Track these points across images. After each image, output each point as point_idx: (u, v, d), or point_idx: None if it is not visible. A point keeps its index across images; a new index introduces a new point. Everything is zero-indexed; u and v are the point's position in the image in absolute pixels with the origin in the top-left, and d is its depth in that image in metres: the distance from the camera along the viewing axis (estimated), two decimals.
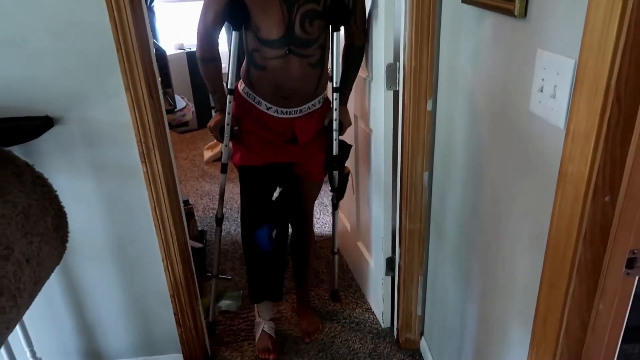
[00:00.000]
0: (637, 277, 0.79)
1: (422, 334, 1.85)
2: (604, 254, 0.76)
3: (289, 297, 2.13)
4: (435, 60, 1.43)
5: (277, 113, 1.58)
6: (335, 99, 1.60)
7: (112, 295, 1.66)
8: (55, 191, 0.88)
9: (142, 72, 1.34)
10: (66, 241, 0.91)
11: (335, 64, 1.57)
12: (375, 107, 1.72)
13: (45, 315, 1.65)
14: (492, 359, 1.23)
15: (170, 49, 4.19)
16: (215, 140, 3.48)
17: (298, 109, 1.59)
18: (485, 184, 1.17)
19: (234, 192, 3.07)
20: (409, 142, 1.54)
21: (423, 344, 1.83)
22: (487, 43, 1.08)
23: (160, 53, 3.53)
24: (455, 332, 1.48)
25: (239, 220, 2.71)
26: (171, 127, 1.56)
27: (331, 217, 2.00)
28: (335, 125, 1.64)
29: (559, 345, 0.85)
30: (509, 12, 0.92)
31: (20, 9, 1.28)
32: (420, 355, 1.83)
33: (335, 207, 1.92)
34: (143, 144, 1.42)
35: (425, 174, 1.58)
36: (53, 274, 1.09)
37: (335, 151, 1.69)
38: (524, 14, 0.89)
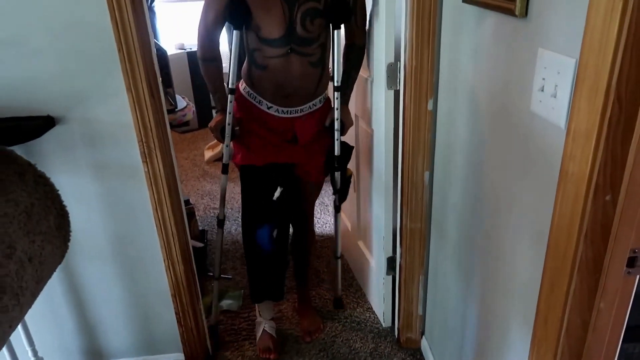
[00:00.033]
0: (638, 276, 0.80)
1: (423, 333, 1.85)
2: (604, 253, 0.76)
3: (289, 296, 2.13)
4: (436, 59, 1.43)
5: (278, 112, 1.58)
6: (337, 98, 1.59)
7: (113, 294, 1.66)
8: (58, 190, 0.88)
9: (144, 72, 1.35)
10: (68, 240, 0.92)
11: (336, 63, 1.57)
12: (376, 106, 1.73)
13: (46, 314, 1.65)
14: (492, 358, 1.23)
15: (170, 49, 4.19)
16: (215, 140, 3.48)
17: (299, 108, 1.59)
18: (486, 183, 1.17)
19: (234, 192, 3.07)
20: (409, 142, 1.55)
21: (424, 344, 1.83)
22: (487, 42, 1.09)
23: (161, 53, 3.54)
24: (456, 332, 1.48)
25: (240, 220, 2.72)
26: (172, 127, 1.56)
27: (333, 220, 1.94)
28: (336, 125, 1.63)
29: (560, 344, 0.85)
30: (510, 12, 0.92)
31: (21, 9, 1.28)
32: (421, 354, 1.84)
33: (337, 210, 1.87)
34: (144, 144, 1.43)
35: (426, 174, 1.58)
36: (54, 274, 1.10)
37: (337, 152, 1.68)
38: (525, 13, 0.89)
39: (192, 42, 4.20)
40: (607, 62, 0.65)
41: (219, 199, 1.78)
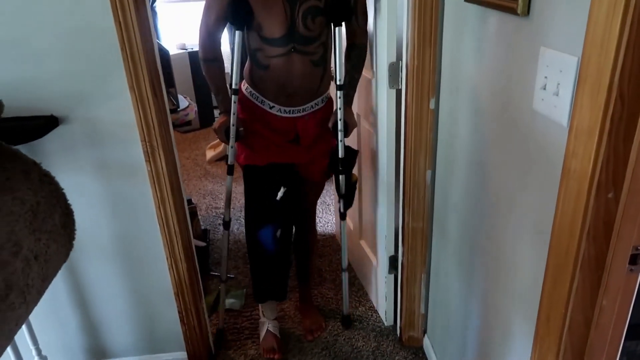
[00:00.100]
0: None
1: (425, 331, 1.85)
2: (607, 250, 0.77)
3: (291, 295, 2.13)
4: (438, 58, 1.43)
5: (281, 112, 1.59)
6: (339, 97, 1.58)
7: (116, 293, 1.67)
8: (62, 189, 0.89)
9: (146, 71, 1.35)
10: (73, 239, 0.92)
11: (338, 61, 1.56)
12: (378, 105, 1.73)
13: (50, 313, 1.66)
14: (495, 356, 1.23)
15: (172, 49, 4.20)
16: (217, 140, 3.49)
17: (301, 107, 1.59)
18: (487, 181, 1.17)
19: (236, 192, 3.07)
20: (411, 141, 1.55)
21: (426, 342, 1.83)
22: (489, 41, 1.09)
23: (164, 53, 3.55)
24: (458, 330, 1.48)
25: (242, 220, 2.73)
26: (174, 126, 1.56)
27: (339, 228, 1.83)
28: (340, 125, 1.60)
29: (562, 342, 0.86)
30: (512, 11, 0.93)
31: (25, 10, 1.29)
32: (424, 353, 1.84)
33: (342, 217, 1.80)
34: (147, 143, 1.43)
35: (428, 172, 1.58)
36: (58, 273, 1.10)
37: (340, 154, 1.65)
38: (527, 12, 0.90)
39: (193, 42, 4.21)
40: (609, 59, 0.65)
41: (225, 200, 1.75)
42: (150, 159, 1.45)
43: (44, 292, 0.82)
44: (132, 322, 1.73)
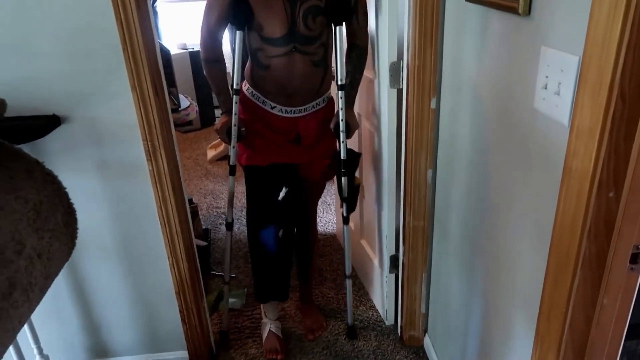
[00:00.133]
0: None
1: (425, 331, 1.85)
2: (608, 249, 0.77)
3: (292, 294, 2.14)
4: (439, 58, 1.43)
5: (282, 112, 1.59)
6: (341, 97, 1.58)
7: (117, 292, 1.67)
8: (65, 188, 0.89)
9: (148, 71, 1.35)
10: (75, 237, 0.93)
11: (339, 61, 1.56)
12: (379, 105, 1.73)
13: (51, 312, 1.66)
14: (496, 355, 1.23)
15: (173, 49, 4.20)
16: (218, 140, 3.50)
17: (302, 107, 1.59)
18: (488, 181, 1.18)
19: (237, 191, 3.08)
20: (412, 140, 1.55)
21: (427, 341, 1.84)
22: (491, 41, 1.09)
23: (165, 53, 3.55)
24: (459, 329, 1.48)
25: (242, 219, 2.74)
26: (175, 126, 1.56)
27: (343, 233, 1.77)
28: (342, 126, 1.59)
29: (563, 340, 0.86)
30: (513, 10, 0.93)
31: (27, 11, 1.29)
32: (424, 352, 1.84)
33: (345, 221, 1.75)
34: (149, 143, 1.43)
35: (429, 172, 1.59)
36: (60, 271, 1.11)
37: (342, 155, 1.63)
38: (528, 11, 0.90)
39: (194, 42, 4.21)
40: (610, 59, 0.66)
41: (227, 201, 1.74)
42: (152, 158, 1.45)
43: (46, 290, 0.82)
44: (133, 321, 1.73)
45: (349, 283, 1.87)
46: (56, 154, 1.44)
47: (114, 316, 1.71)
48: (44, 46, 1.33)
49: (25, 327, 1.47)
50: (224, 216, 2.83)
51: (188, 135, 4.15)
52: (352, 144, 1.92)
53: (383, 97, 1.68)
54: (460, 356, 1.50)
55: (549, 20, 0.84)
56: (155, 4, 4.03)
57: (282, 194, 1.63)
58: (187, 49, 4.29)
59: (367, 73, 1.76)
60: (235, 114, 1.57)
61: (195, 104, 4.21)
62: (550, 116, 0.86)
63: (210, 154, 3.61)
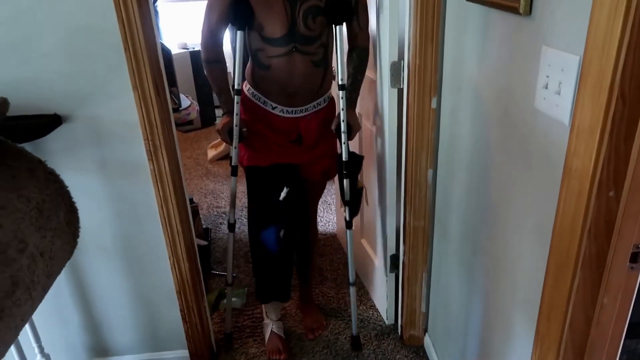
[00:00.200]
0: None
1: (426, 330, 1.86)
2: (608, 248, 0.77)
3: (293, 294, 2.14)
4: (440, 58, 1.44)
5: (283, 112, 1.59)
6: (342, 98, 1.57)
7: (118, 291, 1.67)
8: (67, 187, 0.90)
9: (149, 70, 1.36)
10: (77, 236, 0.93)
11: (340, 61, 1.56)
12: (380, 105, 1.73)
13: (53, 311, 1.67)
14: (496, 355, 1.24)
15: (174, 49, 4.21)
16: (218, 139, 3.50)
17: (303, 107, 1.60)
18: (489, 180, 1.18)
19: (237, 191, 3.08)
20: (413, 140, 1.55)
21: (427, 341, 1.84)
22: (491, 40, 1.09)
23: (166, 52, 3.56)
24: (459, 328, 1.49)
25: (243, 219, 2.74)
26: (176, 125, 1.56)
27: (345, 237, 1.73)
28: (343, 127, 1.57)
29: (563, 340, 0.86)
30: (514, 10, 0.93)
31: (28, 11, 1.29)
32: (424, 351, 1.84)
33: (349, 225, 1.71)
34: (150, 142, 1.44)
35: (430, 172, 1.59)
36: (62, 270, 1.11)
37: (344, 156, 1.62)
38: (529, 11, 0.90)
39: (195, 42, 4.22)
40: (610, 59, 0.66)
41: (229, 202, 1.74)
42: (153, 157, 1.45)
43: (48, 288, 0.83)
44: (134, 320, 1.73)
45: (352, 291, 1.77)
46: (57, 154, 1.45)
47: (115, 315, 1.72)
48: (46, 46, 1.33)
49: (27, 326, 1.47)
50: (224, 216, 2.84)
51: (189, 134, 4.15)
52: (353, 144, 1.93)
53: (384, 97, 1.68)
54: (461, 356, 1.50)
55: (549, 20, 0.85)
56: (156, 4, 4.03)
57: (283, 194, 1.63)
58: (187, 49, 4.29)
59: (369, 74, 1.77)
60: (237, 115, 1.57)
61: (195, 103, 4.21)
62: (550, 115, 0.86)
63: (211, 153, 3.61)
